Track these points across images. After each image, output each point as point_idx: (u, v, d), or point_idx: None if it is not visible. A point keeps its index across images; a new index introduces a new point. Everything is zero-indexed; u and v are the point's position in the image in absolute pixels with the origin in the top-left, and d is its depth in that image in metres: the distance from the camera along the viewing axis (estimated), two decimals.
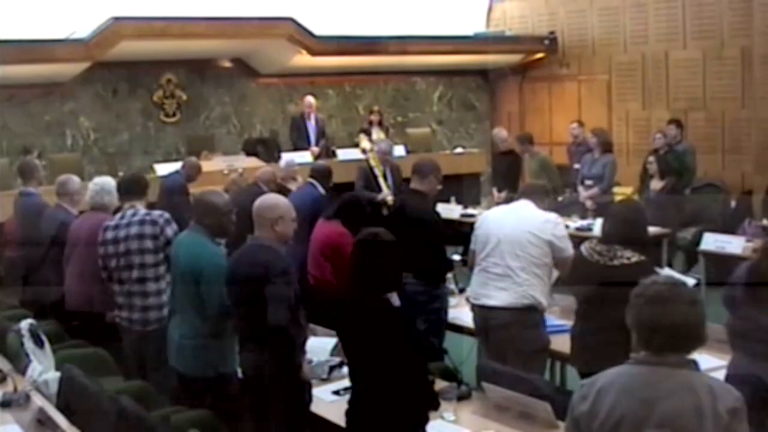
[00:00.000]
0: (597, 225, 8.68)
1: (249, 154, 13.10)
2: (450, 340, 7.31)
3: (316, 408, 5.28)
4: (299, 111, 13.66)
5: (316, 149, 13.03)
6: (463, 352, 7.08)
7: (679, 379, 3.16)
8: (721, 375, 5.19)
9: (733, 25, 13.75)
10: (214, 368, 5.57)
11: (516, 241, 6.37)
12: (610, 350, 4.01)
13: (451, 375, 5.62)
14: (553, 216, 6.49)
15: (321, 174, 9.58)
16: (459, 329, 7.24)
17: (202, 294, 5.48)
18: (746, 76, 13.68)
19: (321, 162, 11.08)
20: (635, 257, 5.50)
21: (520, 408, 5.09)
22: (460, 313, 7.26)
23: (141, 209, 6.59)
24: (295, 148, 12.92)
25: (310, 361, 5.54)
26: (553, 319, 6.66)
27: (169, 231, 6.34)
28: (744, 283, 4.81)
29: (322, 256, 7.79)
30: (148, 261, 6.35)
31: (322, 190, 9.40)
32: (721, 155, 13.41)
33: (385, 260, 4.53)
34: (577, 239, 7.02)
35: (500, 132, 13.33)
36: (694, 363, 3.22)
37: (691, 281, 9.21)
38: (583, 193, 11.63)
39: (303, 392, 5.22)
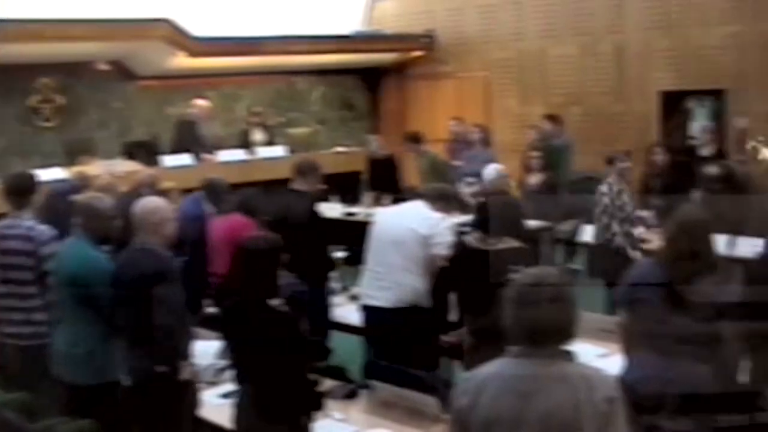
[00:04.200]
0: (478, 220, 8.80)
1: (129, 157, 12.88)
2: (337, 338, 7.33)
3: (203, 412, 5.25)
4: (188, 113, 13.43)
5: (209, 156, 12.74)
6: (350, 350, 7.10)
7: (556, 371, 3.18)
8: (604, 363, 5.31)
9: (608, 22, 14.08)
10: (101, 376, 5.49)
11: (399, 240, 6.43)
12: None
13: (339, 374, 5.63)
14: (438, 215, 6.56)
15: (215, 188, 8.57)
16: (345, 328, 7.27)
17: (87, 301, 5.40)
18: (620, 72, 14.01)
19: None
20: (516, 243, 5.64)
21: (409, 404, 5.13)
22: (346, 311, 7.29)
23: (23, 222, 6.31)
24: (184, 152, 12.66)
25: (197, 365, 5.51)
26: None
27: (47, 250, 6.08)
28: (650, 284, 4.73)
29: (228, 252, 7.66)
30: (27, 277, 6.17)
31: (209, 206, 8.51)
32: (598, 149, 13.66)
33: (264, 268, 4.52)
34: (460, 234, 7.10)
35: (375, 139, 13.41)
36: (570, 354, 3.24)
37: (577, 268, 9.46)
38: (464, 189, 11.73)
39: (189, 397, 5.18)
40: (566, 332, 3.22)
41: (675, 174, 10.42)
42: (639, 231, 9.58)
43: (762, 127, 12.23)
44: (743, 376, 4.54)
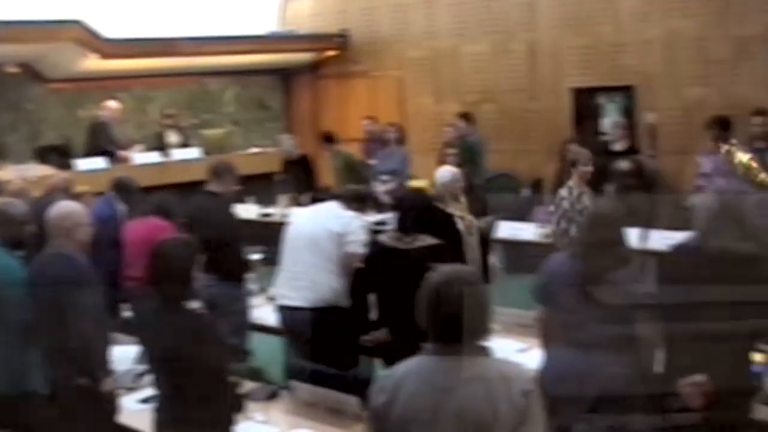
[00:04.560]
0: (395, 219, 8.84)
1: (42, 161, 12.70)
2: (256, 340, 7.31)
3: (122, 418, 5.21)
4: (100, 116, 13.26)
5: (125, 154, 12.63)
6: (270, 351, 7.09)
7: (473, 367, 3.20)
8: (523, 358, 5.38)
9: (519, 20, 14.21)
10: (16, 386, 5.40)
11: (314, 239, 6.46)
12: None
13: (259, 375, 5.63)
14: (351, 213, 6.59)
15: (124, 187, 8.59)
16: (264, 329, 7.25)
17: (0, 308, 5.32)
18: (533, 69, 14.17)
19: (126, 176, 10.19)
20: (433, 240, 5.68)
21: (330, 404, 5.14)
22: (264, 312, 7.28)
23: None
24: (98, 154, 12.51)
25: (115, 371, 5.46)
26: None
27: None
28: (565, 277, 4.77)
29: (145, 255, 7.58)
30: None
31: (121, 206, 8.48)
32: (512, 146, 13.80)
33: (180, 270, 4.49)
34: (376, 233, 7.14)
35: (289, 139, 13.40)
36: (487, 349, 3.27)
37: (497, 265, 9.51)
38: (379, 187, 11.76)
39: (108, 405, 5.14)
40: (481, 328, 3.25)
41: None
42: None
43: (670, 123, 12.51)
44: (658, 367, 4.61)
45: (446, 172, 8.12)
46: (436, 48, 15.16)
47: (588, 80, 13.62)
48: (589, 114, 13.64)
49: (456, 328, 3.20)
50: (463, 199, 8.09)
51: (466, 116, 12.43)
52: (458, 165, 11.00)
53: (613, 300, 4.49)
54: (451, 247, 7.32)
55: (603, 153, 10.70)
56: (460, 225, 7.70)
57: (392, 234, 6.21)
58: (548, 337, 4.88)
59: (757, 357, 4.66)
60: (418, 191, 8.61)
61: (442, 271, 3.32)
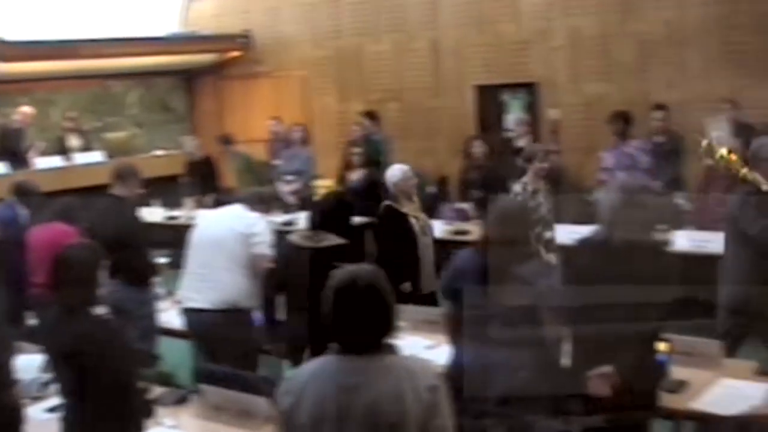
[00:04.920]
0: (301, 218, 8.82)
1: None
2: (164, 344, 7.25)
3: (29, 428, 5.12)
4: (13, 121, 13.01)
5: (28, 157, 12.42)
6: (178, 355, 7.03)
7: (379, 365, 3.21)
8: (432, 354, 5.41)
9: (422, 18, 14.29)
10: None
11: (220, 240, 6.43)
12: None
13: (168, 380, 5.58)
14: (256, 215, 6.57)
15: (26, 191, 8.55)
16: (172, 333, 7.19)
17: None
18: (436, 67, 14.25)
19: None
20: (339, 240, 5.70)
21: (239, 406, 5.12)
22: (172, 316, 7.22)
23: None
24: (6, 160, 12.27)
25: (19, 381, 5.36)
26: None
27: None
28: (474, 272, 4.77)
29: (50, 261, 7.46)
30: None
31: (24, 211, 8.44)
32: (417, 143, 13.87)
33: (84, 276, 4.43)
34: (283, 234, 7.14)
35: (191, 141, 13.33)
36: (393, 347, 3.28)
37: None
38: (284, 188, 11.73)
39: (13, 414, 5.04)
40: (386, 326, 3.26)
41: (493, 166, 10.67)
42: (458, 224, 9.81)
43: (573, 118, 12.68)
44: (565, 360, 4.67)
45: (397, 170, 7.95)
46: (339, 47, 15.17)
47: (491, 77, 13.75)
48: (493, 111, 13.77)
49: (359, 327, 3.22)
50: (416, 198, 7.98)
51: (370, 115, 12.45)
52: (363, 164, 11.06)
53: (519, 296, 4.54)
54: (407, 247, 7.38)
55: (507, 149, 10.83)
56: (415, 225, 7.63)
57: (302, 233, 6.22)
58: (455, 334, 4.90)
59: (661, 346, 4.75)
60: (331, 193, 8.55)
61: (343, 270, 3.31)
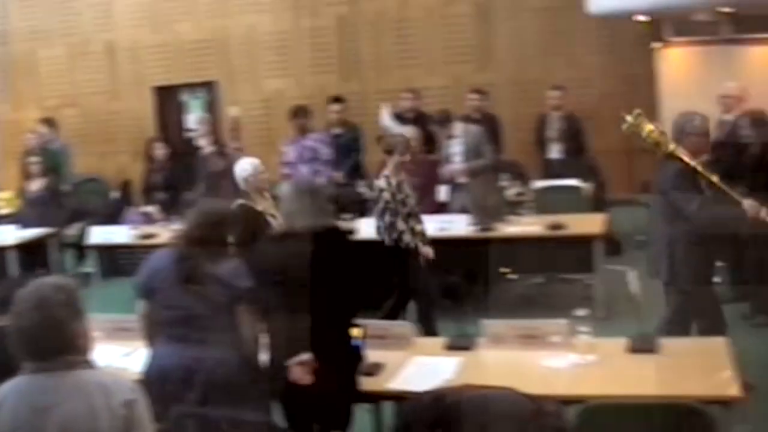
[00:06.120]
0: None
1: None
2: None
3: None
4: None
5: None
6: None
7: (71, 381, 3.12)
8: (129, 362, 5.33)
9: (96, 21, 14.00)
10: None
11: None
12: None
13: None
14: None
15: None
16: None
17: None
18: (113, 70, 14.00)
19: None
20: None
21: None
22: None
23: None
24: None
25: None
26: None
27: None
28: (170, 271, 4.71)
29: None
30: None
31: None
32: (98, 148, 13.60)
33: None
34: None
35: None
36: (88, 361, 3.20)
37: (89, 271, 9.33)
38: None
39: None
40: (75, 340, 3.16)
41: (176, 167, 10.63)
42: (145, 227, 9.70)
43: (253, 115, 12.83)
44: (265, 353, 4.72)
45: (247, 164, 7.39)
46: (10, 53, 14.58)
47: (170, 78, 13.68)
48: (173, 112, 13.70)
49: (47, 344, 3.11)
50: (268, 194, 7.41)
51: (47, 122, 12.08)
52: (42, 173, 10.73)
53: (215, 295, 4.56)
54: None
55: (189, 150, 10.81)
56: (274, 224, 6.89)
57: None
58: (152, 334, 4.85)
59: (355, 331, 4.88)
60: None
61: (28, 287, 3.19)
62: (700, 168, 5.96)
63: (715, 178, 5.99)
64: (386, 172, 7.48)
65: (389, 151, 7.55)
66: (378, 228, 7.52)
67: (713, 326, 6.02)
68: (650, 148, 6.19)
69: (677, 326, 6.16)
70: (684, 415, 4.04)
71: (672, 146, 6.00)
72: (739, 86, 8.15)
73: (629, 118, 6.17)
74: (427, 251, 7.40)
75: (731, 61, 10.52)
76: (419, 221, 7.52)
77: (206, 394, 4.49)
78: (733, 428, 4.24)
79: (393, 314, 7.26)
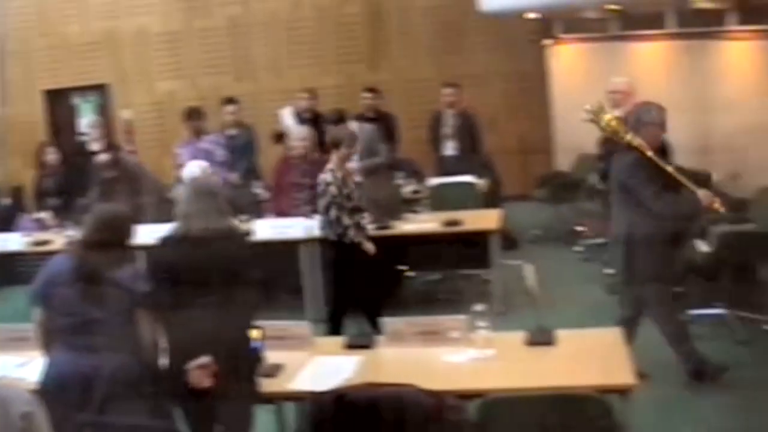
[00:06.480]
0: None
1: None
2: None
3: None
4: None
5: None
6: None
7: None
8: (24, 372, 5.25)
9: None
10: None
11: None
12: None
13: None
14: None
15: None
16: None
17: None
18: (1, 74, 13.73)
19: None
20: None
21: None
22: None
23: None
24: None
25: None
26: None
27: None
28: (67, 276, 4.61)
29: None
30: None
31: None
32: None
33: None
34: None
35: None
36: None
37: None
38: None
39: None
40: None
41: (69, 172, 10.47)
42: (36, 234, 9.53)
43: (146, 117, 12.73)
44: (164, 357, 4.69)
45: (195, 167, 7.40)
46: None
47: (60, 81, 13.47)
48: (65, 116, 13.51)
49: None
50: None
51: None
52: None
53: (114, 300, 4.52)
54: None
55: (83, 154, 10.65)
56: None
57: None
58: (49, 342, 4.77)
59: (254, 333, 4.87)
60: None
61: None
62: (655, 158, 6.09)
63: (670, 168, 6.11)
64: (331, 165, 7.36)
65: (336, 145, 7.42)
66: (322, 223, 7.46)
67: (667, 318, 6.29)
68: (609, 136, 6.35)
69: (630, 320, 6.33)
70: (582, 404, 4.14)
71: (629, 136, 6.11)
72: (627, 81, 8.30)
73: (588, 107, 6.31)
74: (369, 247, 7.39)
75: (619, 57, 10.75)
76: (363, 216, 7.51)
77: (106, 401, 4.44)
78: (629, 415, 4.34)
79: (338, 312, 7.40)
